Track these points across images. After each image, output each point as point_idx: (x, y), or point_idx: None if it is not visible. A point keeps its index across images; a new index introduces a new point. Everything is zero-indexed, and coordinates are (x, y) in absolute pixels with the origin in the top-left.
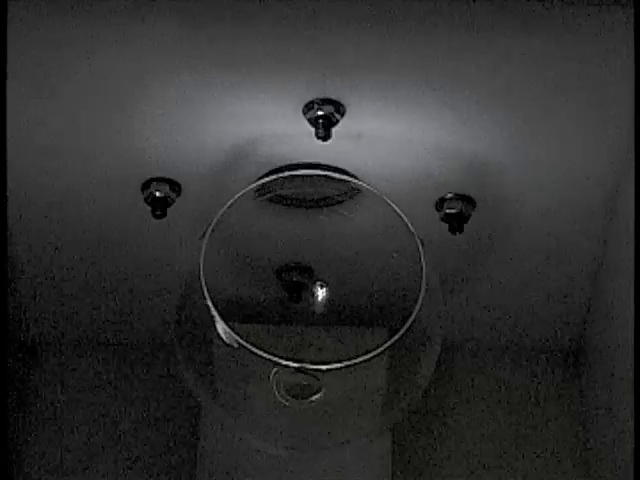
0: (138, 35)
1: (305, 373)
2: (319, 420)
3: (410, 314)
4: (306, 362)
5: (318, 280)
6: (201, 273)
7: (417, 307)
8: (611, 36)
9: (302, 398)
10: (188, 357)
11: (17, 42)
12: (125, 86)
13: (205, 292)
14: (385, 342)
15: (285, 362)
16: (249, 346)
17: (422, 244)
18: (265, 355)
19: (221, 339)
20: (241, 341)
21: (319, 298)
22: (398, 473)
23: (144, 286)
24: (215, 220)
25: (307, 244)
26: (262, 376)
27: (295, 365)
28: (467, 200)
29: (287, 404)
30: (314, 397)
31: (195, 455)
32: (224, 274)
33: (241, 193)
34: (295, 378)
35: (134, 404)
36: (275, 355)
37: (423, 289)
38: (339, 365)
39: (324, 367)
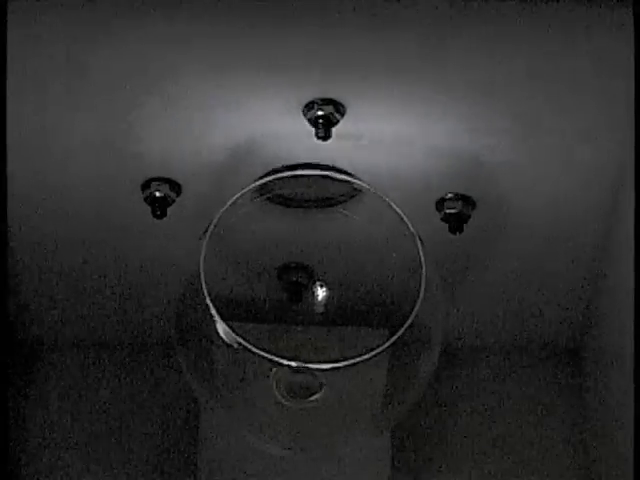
0: (137, 35)
1: (305, 373)
2: (319, 420)
3: (410, 314)
4: (306, 362)
5: (318, 280)
6: (201, 273)
7: (416, 306)
8: (611, 35)
9: (302, 398)
10: (188, 357)
11: (16, 42)
12: (125, 86)
13: (205, 292)
14: (385, 342)
15: (285, 362)
16: (249, 346)
17: (422, 244)
18: (265, 355)
19: (221, 339)
20: (241, 341)
21: (319, 298)
22: (398, 473)
23: (144, 286)
24: (215, 220)
25: (307, 244)
26: (262, 376)
27: (295, 365)
28: (467, 200)
29: (287, 404)
30: (314, 397)
31: (195, 455)
32: (224, 274)
33: (241, 193)
34: (295, 378)
35: (134, 404)
36: (275, 355)
37: (422, 289)
38: (339, 365)
39: (324, 366)
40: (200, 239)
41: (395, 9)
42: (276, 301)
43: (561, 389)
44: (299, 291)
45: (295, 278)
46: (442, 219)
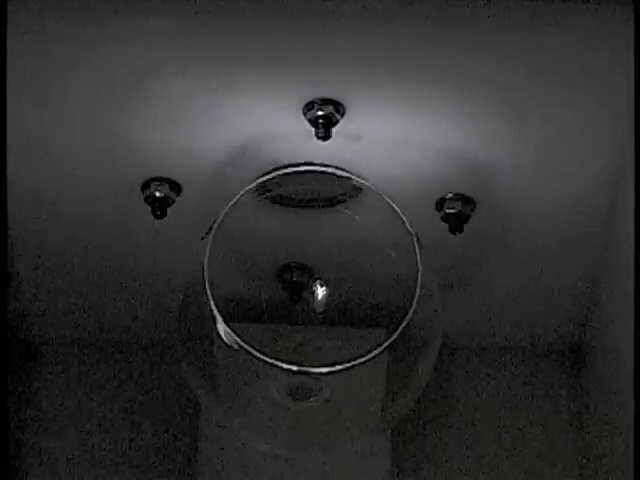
0: (137, 35)
1: (305, 374)
2: (319, 420)
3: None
4: (306, 362)
5: (318, 279)
6: (205, 273)
7: (413, 306)
8: (611, 35)
9: (302, 399)
10: (189, 357)
11: (16, 42)
12: (125, 86)
13: (209, 293)
14: (384, 342)
15: (285, 365)
16: (250, 349)
17: (419, 242)
18: (265, 359)
19: (222, 340)
20: (243, 344)
21: (319, 297)
22: (398, 473)
23: (144, 286)
24: (219, 220)
25: (307, 244)
26: (262, 377)
27: (294, 368)
28: (467, 200)
29: (287, 405)
30: (314, 398)
31: (195, 455)
32: (224, 274)
33: (242, 193)
34: (295, 379)
35: (134, 404)
36: (275, 358)
37: (418, 288)
38: (337, 369)
39: (324, 370)
40: (203, 239)
41: (395, 9)
42: (276, 301)
43: (561, 389)
44: (299, 291)
45: (295, 278)
46: (442, 219)
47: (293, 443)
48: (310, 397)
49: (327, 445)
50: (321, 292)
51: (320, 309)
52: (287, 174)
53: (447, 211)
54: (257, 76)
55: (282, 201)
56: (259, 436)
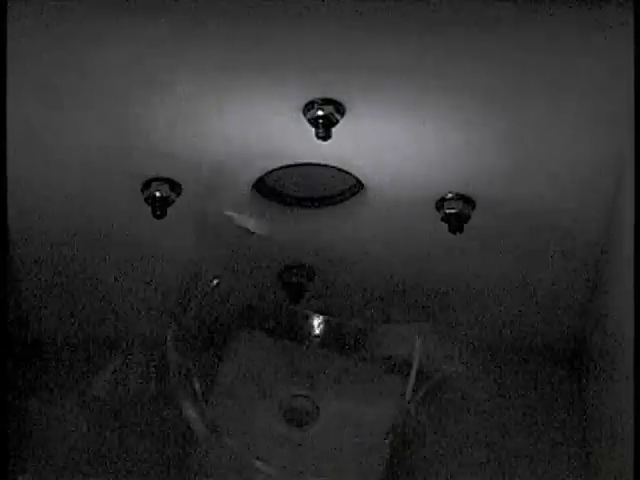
0: (138, 35)
1: (303, 397)
2: (319, 443)
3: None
4: (306, 385)
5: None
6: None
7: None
8: (611, 35)
9: (302, 425)
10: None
11: (17, 41)
12: (125, 86)
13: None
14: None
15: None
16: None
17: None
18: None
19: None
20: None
21: (316, 330)
22: (397, 474)
23: (144, 286)
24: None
25: (307, 244)
26: (263, 398)
27: (295, 393)
28: (467, 200)
29: (287, 430)
30: (314, 422)
31: (195, 455)
32: (224, 274)
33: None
34: (295, 403)
35: (133, 404)
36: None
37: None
38: (336, 394)
39: (322, 393)
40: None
41: (395, 10)
42: (276, 302)
43: (561, 389)
44: (300, 292)
45: (295, 279)
46: (442, 219)
47: (293, 466)
48: (310, 422)
49: (326, 467)
50: (317, 321)
51: (318, 340)
52: (287, 173)
53: (447, 211)
54: (257, 76)
55: (282, 201)
56: (259, 457)
